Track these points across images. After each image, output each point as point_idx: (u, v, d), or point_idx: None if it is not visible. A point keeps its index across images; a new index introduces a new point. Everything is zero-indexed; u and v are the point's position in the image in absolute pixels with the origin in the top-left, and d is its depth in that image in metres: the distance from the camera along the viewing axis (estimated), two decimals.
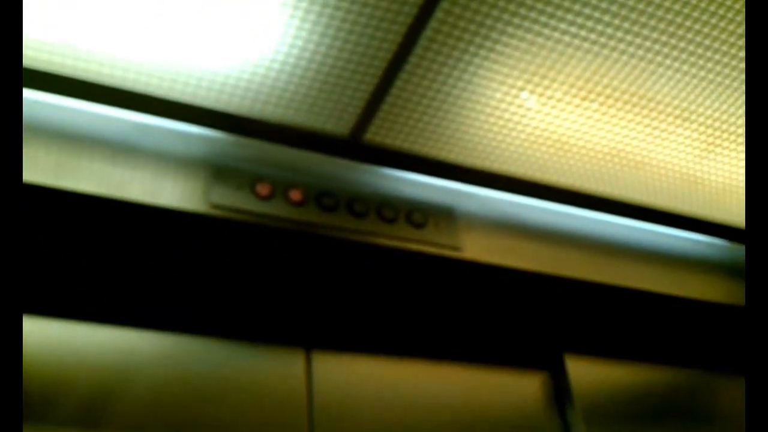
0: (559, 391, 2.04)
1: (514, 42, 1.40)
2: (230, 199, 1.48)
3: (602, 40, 1.41)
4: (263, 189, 1.52)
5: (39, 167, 1.34)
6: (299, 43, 1.34)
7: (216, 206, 1.46)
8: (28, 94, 1.39)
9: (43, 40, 1.27)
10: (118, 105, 1.42)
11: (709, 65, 1.50)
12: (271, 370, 1.69)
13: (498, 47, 1.41)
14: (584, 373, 2.04)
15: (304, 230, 1.53)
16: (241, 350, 1.69)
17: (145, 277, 1.56)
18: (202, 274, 1.58)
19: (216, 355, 1.65)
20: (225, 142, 1.54)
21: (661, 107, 1.59)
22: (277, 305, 1.72)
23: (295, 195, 1.55)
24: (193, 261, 1.55)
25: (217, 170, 1.51)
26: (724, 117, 1.64)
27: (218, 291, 1.64)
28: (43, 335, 1.50)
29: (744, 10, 1.39)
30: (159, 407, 1.52)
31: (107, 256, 1.49)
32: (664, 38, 1.43)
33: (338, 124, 1.53)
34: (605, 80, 1.51)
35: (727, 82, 1.55)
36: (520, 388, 2.00)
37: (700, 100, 1.59)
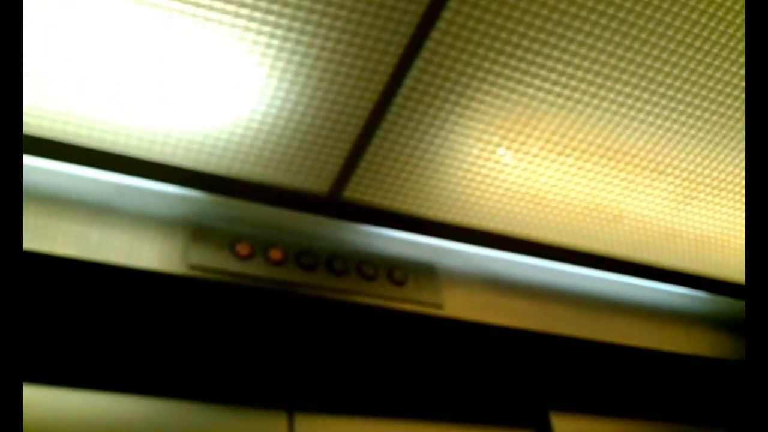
0: None
1: (489, 98, 1.42)
2: (209, 260, 1.47)
3: (576, 95, 1.44)
4: (243, 249, 1.52)
5: None
6: (277, 102, 1.35)
7: (195, 267, 1.45)
8: None
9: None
10: (96, 166, 1.42)
11: (683, 119, 1.53)
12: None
13: (473, 104, 1.43)
14: (570, 430, 2.02)
15: (284, 290, 1.52)
16: (223, 414, 1.65)
17: (124, 340, 1.54)
18: (182, 335, 1.56)
19: (196, 419, 1.62)
20: (204, 201, 1.54)
21: (636, 161, 1.61)
22: (259, 367, 1.70)
23: (275, 254, 1.54)
24: (173, 323, 1.53)
25: (196, 230, 1.50)
26: (699, 170, 1.66)
27: (198, 353, 1.62)
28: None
29: (717, 65, 1.42)
30: None
31: (85, 319, 1.47)
32: (637, 93, 1.46)
33: (317, 182, 1.53)
34: (580, 135, 1.53)
35: (701, 135, 1.58)
36: None
37: (674, 153, 1.61)
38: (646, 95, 1.47)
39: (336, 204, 1.59)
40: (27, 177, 1.40)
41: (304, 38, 1.25)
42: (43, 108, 1.30)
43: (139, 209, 1.47)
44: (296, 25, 1.22)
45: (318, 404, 1.78)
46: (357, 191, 1.57)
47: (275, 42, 1.25)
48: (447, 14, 1.25)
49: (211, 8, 1.18)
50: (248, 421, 1.67)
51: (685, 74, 1.44)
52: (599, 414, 2.11)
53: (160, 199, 1.51)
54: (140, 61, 1.24)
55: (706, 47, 1.39)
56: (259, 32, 1.23)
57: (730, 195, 1.75)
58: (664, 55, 1.39)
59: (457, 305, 1.72)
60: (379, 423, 1.83)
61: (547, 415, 2.03)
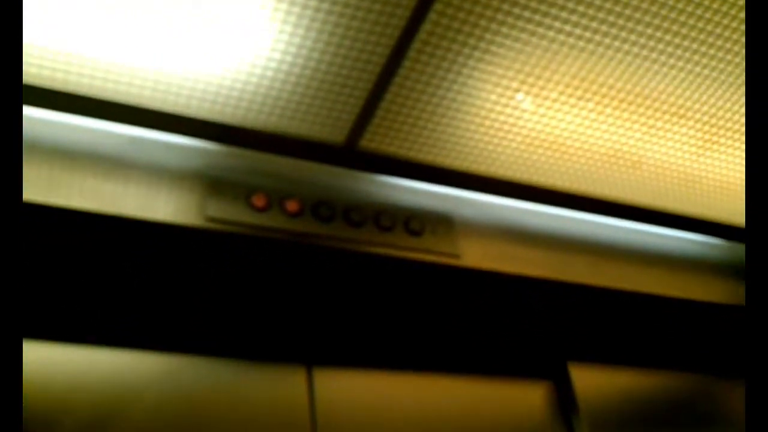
0: (564, 400, 2.01)
1: (507, 43, 1.39)
2: (226, 212, 1.46)
3: (596, 38, 1.41)
4: (259, 200, 1.50)
5: (30, 184, 1.31)
6: (291, 49, 1.32)
7: (212, 219, 1.44)
8: None
9: (31, 52, 1.25)
10: (110, 118, 1.40)
11: (704, 61, 1.50)
12: (273, 387, 1.66)
13: (491, 48, 1.40)
14: (588, 381, 2.02)
15: (301, 241, 1.51)
16: (242, 368, 1.66)
17: (142, 295, 1.53)
18: (200, 289, 1.56)
19: (214, 374, 1.62)
20: (219, 153, 1.52)
21: (656, 105, 1.58)
22: (277, 321, 1.70)
23: (292, 206, 1.53)
24: (190, 276, 1.52)
25: (211, 183, 1.48)
26: (720, 113, 1.63)
27: (216, 306, 1.61)
28: (38, 358, 1.47)
29: (740, 5, 1.38)
30: (160, 428, 1.49)
31: (102, 274, 1.46)
32: (658, 35, 1.42)
33: (333, 131, 1.51)
34: (600, 79, 1.50)
35: (722, 77, 1.55)
36: (524, 398, 1.97)
37: (696, 96, 1.58)
38: (668, 37, 1.43)
39: (352, 154, 1.57)
40: (41, 130, 1.38)
41: None
42: (56, 55, 1.27)
43: (153, 162, 1.46)
44: None
45: (336, 358, 1.78)
46: (373, 141, 1.55)
47: None
48: None
49: None
50: (267, 376, 1.67)
51: (708, 15, 1.40)
52: (617, 364, 2.12)
53: (174, 151, 1.49)
54: (154, 11, 1.21)
55: None
56: None
57: None
58: None
59: (475, 255, 1.71)
60: (398, 375, 1.84)
61: (566, 365, 2.03)
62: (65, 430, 1.40)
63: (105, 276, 1.47)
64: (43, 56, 1.26)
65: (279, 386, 1.67)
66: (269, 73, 1.36)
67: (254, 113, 1.43)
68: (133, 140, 1.45)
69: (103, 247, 1.41)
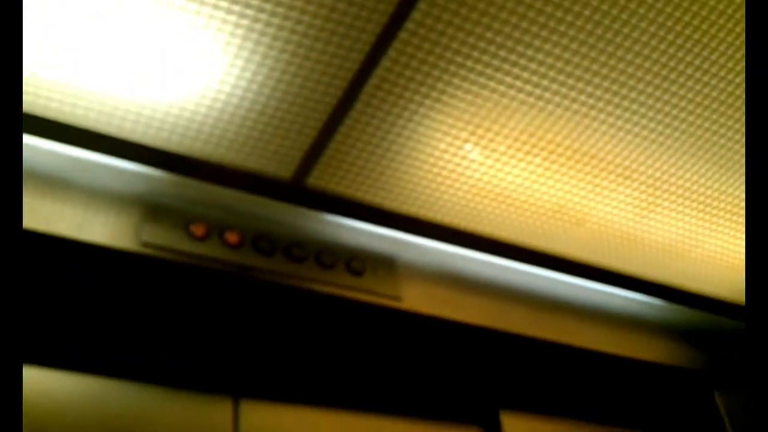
0: None
1: (459, 93, 1.40)
2: (163, 239, 1.44)
3: (546, 95, 1.42)
4: (198, 229, 1.48)
5: None
6: (242, 83, 1.32)
7: (147, 245, 1.41)
8: None
9: None
10: (51, 137, 1.37)
11: (652, 125, 1.52)
12: (198, 417, 1.63)
13: (443, 98, 1.40)
14: (519, 430, 2.02)
15: (238, 273, 1.49)
16: (168, 396, 1.62)
17: (70, 315, 1.50)
18: (129, 313, 1.53)
19: (140, 401, 1.59)
20: (161, 180, 1.50)
21: (603, 164, 1.60)
22: (207, 350, 1.67)
23: (232, 237, 1.51)
24: (122, 301, 1.49)
25: (150, 208, 1.46)
26: (665, 177, 1.66)
27: (145, 332, 1.58)
28: None
29: (688, 73, 1.41)
30: None
31: (31, 292, 1.43)
32: (607, 96, 1.44)
33: (280, 167, 1.50)
34: (549, 135, 1.51)
35: (668, 142, 1.57)
36: None
37: (641, 159, 1.60)
38: (616, 99, 1.46)
39: (298, 190, 1.56)
40: None
41: (275, 20, 1.21)
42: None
43: (93, 184, 1.43)
44: (267, 6, 1.19)
45: (265, 391, 1.75)
46: (321, 179, 1.54)
47: (244, 22, 1.21)
48: (422, 5, 1.23)
49: None
50: (193, 406, 1.64)
51: (657, 81, 1.43)
52: (549, 414, 2.12)
53: (116, 175, 1.46)
54: (107, 35, 1.20)
55: (680, 55, 1.38)
56: (229, 11, 1.19)
57: (693, 204, 1.76)
58: (637, 60, 1.38)
59: (415, 298, 1.70)
60: (326, 413, 1.81)
61: (498, 413, 2.02)
62: None
63: (34, 294, 1.44)
64: None
65: (205, 415, 1.64)
66: (218, 105, 1.35)
67: (201, 143, 1.42)
68: (74, 161, 1.42)
69: (35, 265, 1.38)
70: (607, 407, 2.21)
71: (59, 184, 1.39)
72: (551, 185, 1.64)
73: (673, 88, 1.45)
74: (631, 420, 2.25)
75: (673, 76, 1.42)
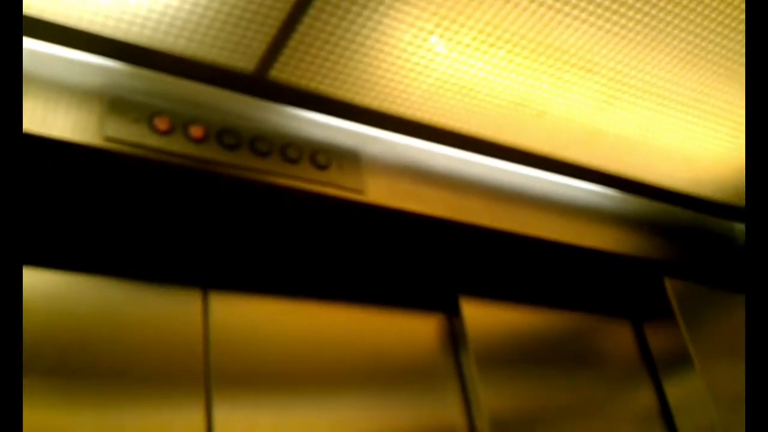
0: (454, 332, 2.08)
1: None
2: (126, 133, 1.42)
3: None
4: (162, 123, 1.47)
5: None
6: None
7: (111, 139, 1.40)
8: None
9: None
10: None
11: (615, 18, 1.53)
12: (167, 309, 1.66)
13: None
14: (479, 315, 2.09)
15: (203, 168, 1.49)
16: (136, 289, 1.64)
17: (35, 212, 1.49)
18: (95, 209, 1.52)
19: (109, 294, 1.60)
20: (122, 73, 1.47)
21: (566, 57, 1.61)
22: (174, 244, 1.68)
23: (196, 131, 1.50)
24: (86, 196, 1.48)
25: (113, 102, 1.44)
26: (626, 70, 1.68)
27: (112, 228, 1.58)
28: None
29: None
30: (49, 347, 1.47)
31: None
32: None
33: (242, 59, 1.48)
34: (513, 27, 1.51)
35: (630, 35, 1.58)
36: (416, 329, 2.03)
37: (603, 51, 1.61)
38: None
39: (262, 83, 1.55)
40: None
41: None
42: None
43: (53, 78, 1.40)
44: None
45: (233, 282, 1.78)
46: (284, 72, 1.52)
47: None
48: None
49: None
50: (162, 298, 1.67)
51: None
52: (507, 300, 2.20)
53: (76, 68, 1.43)
54: None
55: None
56: None
57: (654, 98, 1.78)
58: None
59: (379, 191, 1.72)
60: (293, 302, 1.86)
61: (457, 299, 2.09)
62: None
63: None
64: None
65: (174, 308, 1.67)
66: None
67: (161, 34, 1.39)
68: (32, 53, 1.38)
69: None
70: (562, 294, 2.30)
71: None
72: (514, 78, 1.64)
73: None
74: (585, 305, 2.35)
75: None
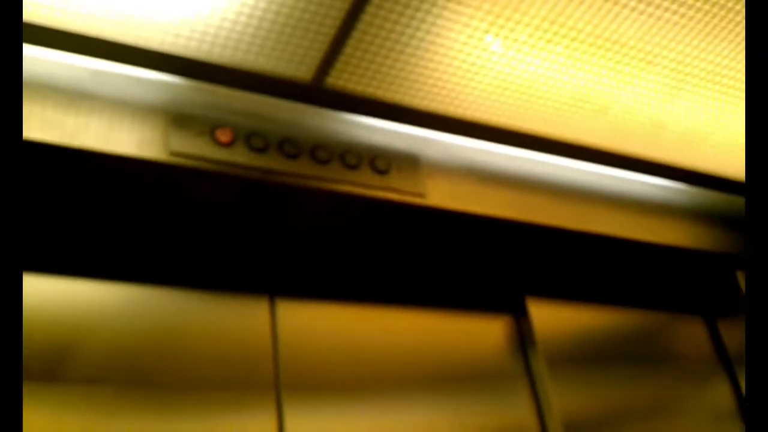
0: (522, 333, 2.06)
1: None
2: (190, 146, 1.45)
3: None
4: (224, 135, 1.49)
5: None
6: None
7: (175, 153, 1.43)
8: None
9: None
10: (71, 50, 1.37)
11: (674, 7, 1.49)
12: (236, 318, 1.68)
13: None
14: (546, 315, 2.07)
15: (266, 178, 1.51)
16: (205, 299, 1.67)
17: (105, 228, 1.53)
18: (163, 222, 1.56)
19: (179, 305, 1.64)
20: (183, 87, 1.50)
21: (625, 50, 1.58)
22: (241, 253, 1.71)
23: (257, 142, 1.52)
24: (153, 210, 1.52)
25: (175, 117, 1.47)
26: (688, 60, 1.64)
27: (180, 240, 1.62)
28: None
29: None
30: (124, 359, 1.51)
31: (63, 207, 1.45)
32: None
33: (299, 68, 1.49)
34: (570, 22, 1.49)
35: (691, 24, 1.54)
36: (483, 331, 2.02)
37: (664, 42, 1.58)
38: None
39: (319, 91, 1.56)
40: None
41: None
42: None
43: (117, 95, 1.43)
44: None
45: (299, 289, 1.80)
46: (341, 78, 1.53)
47: None
48: None
49: None
50: (231, 306, 1.69)
51: None
52: (574, 300, 2.17)
53: (137, 85, 1.46)
54: None
55: None
56: None
57: (718, 87, 1.74)
58: None
59: (440, 194, 1.72)
60: (360, 308, 1.87)
61: (524, 300, 2.07)
62: (26, 359, 1.41)
63: (67, 209, 1.46)
64: None
65: (242, 316, 1.70)
66: (235, 7, 1.33)
67: (219, 48, 1.41)
68: (95, 73, 1.42)
69: (64, 180, 1.40)
70: (632, 291, 2.26)
71: (83, 97, 1.39)
72: (573, 74, 1.62)
73: None
74: (656, 302, 2.30)
75: None
